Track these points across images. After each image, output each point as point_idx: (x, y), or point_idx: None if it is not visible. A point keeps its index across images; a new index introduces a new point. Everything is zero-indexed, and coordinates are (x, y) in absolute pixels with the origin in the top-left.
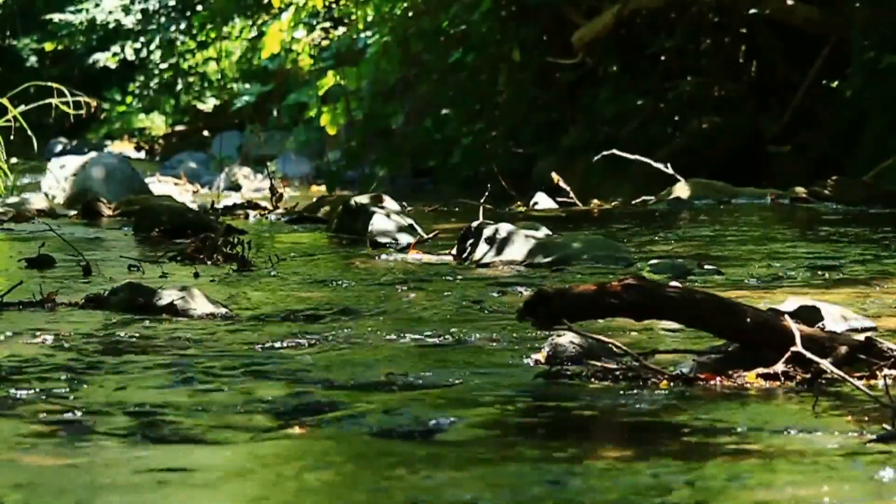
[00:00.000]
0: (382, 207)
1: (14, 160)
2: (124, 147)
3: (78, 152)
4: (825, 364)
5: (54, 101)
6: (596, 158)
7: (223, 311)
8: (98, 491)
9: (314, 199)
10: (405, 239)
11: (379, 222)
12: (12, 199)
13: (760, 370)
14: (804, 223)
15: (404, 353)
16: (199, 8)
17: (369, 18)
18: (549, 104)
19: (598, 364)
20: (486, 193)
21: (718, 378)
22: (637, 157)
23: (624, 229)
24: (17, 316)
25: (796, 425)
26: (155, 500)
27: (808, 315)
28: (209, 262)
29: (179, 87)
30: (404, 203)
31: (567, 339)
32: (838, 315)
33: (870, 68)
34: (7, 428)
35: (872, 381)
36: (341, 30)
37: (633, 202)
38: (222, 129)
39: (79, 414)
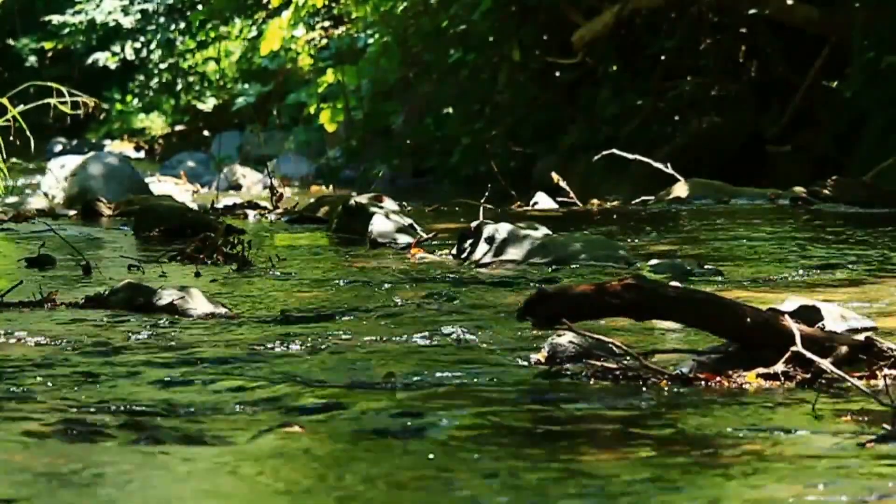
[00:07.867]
0: (382, 207)
1: (14, 160)
2: (124, 147)
3: (78, 152)
4: (825, 364)
5: (54, 100)
6: (596, 158)
7: (223, 311)
8: (97, 491)
9: (314, 199)
10: (405, 239)
11: (379, 222)
12: (12, 199)
13: (760, 370)
14: (804, 223)
15: (404, 353)
16: (199, 8)
17: (369, 18)
18: (549, 104)
19: (598, 364)
20: (486, 193)
21: (718, 378)
22: (637, 156)
23: (624, 229)
24: (17, 316)
25: (796, 425)
26: (154, 501)
27: (808, 315)
28: (209, 262)
29: (179, 86)
30: (404, 203)
31: (567, 338)
32: (838, 315)
33: (870, 68)
34: (6, 428)
35: (872, 381)
36: (341, 29)
37: (633, 202)
38: (222, 129)
39: (79, 414)
